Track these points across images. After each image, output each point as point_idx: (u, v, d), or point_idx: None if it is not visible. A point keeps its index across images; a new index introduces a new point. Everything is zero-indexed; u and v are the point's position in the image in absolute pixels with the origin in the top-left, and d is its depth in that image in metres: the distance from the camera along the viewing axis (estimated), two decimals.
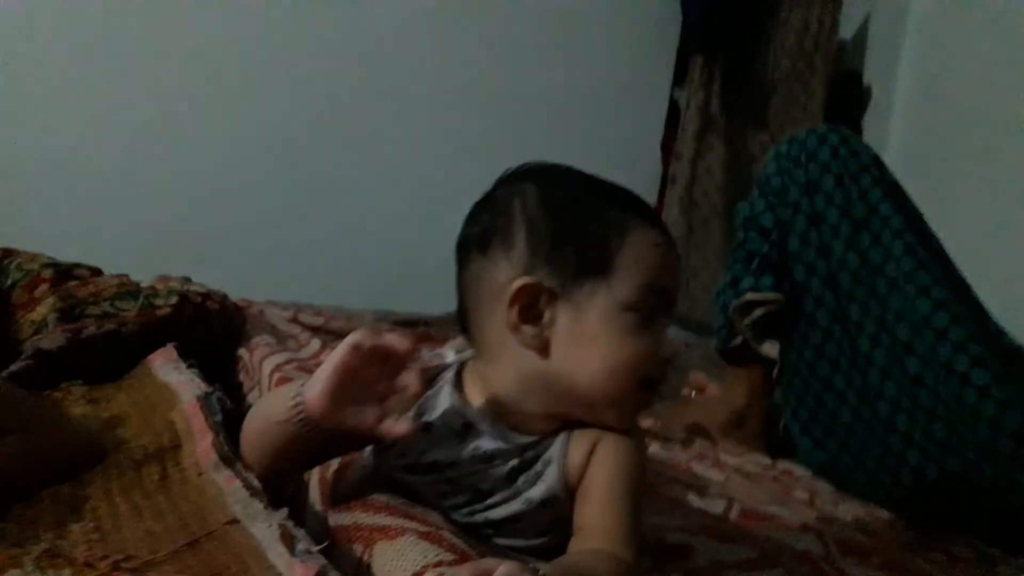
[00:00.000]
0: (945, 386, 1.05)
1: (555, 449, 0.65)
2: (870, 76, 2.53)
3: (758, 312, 1.23)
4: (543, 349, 0.63)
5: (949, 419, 1.07)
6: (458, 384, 0.68)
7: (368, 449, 0.71)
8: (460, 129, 2.40)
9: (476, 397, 0.67)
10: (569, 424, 0.66)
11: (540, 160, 0.70)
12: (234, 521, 0.61)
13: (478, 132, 2.39)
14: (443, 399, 0.67)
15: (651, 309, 0.64)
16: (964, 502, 1.09)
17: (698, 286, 2.48)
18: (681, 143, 2.47)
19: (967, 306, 1.08)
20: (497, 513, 0.66)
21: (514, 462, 0.65)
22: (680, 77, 2.52)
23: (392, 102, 2.36)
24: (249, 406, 1.07)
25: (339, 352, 0.60)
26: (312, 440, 0.63)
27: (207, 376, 0.98)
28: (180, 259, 1.59)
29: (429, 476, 0.67)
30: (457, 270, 0.68)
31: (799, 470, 1.31)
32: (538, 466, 0.65)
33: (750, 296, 1.21)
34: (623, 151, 2.49)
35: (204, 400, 0.79)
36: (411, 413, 0.64)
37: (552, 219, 0.64)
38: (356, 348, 0.59)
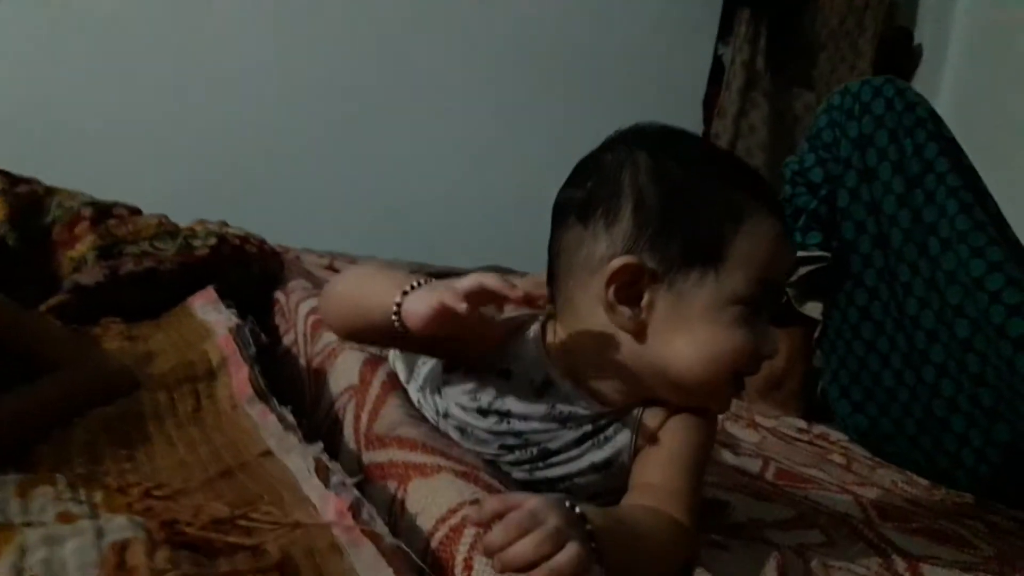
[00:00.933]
0: (996, 351, 1.01)
1: (631, 420, 0.63)
2: (921, 34, 2.44)
3: (803, 270, 1.20)
4: (638, 333, 0.60)
5: (998, 385, 1.03)
6: (543, 339, 0.65)
7: (412, 386, 0.70)
8: (500, 84, 2.36)
9: (560, 357, 0.64)
10: (649, 400, 0.64)
11: (654, 121, 0.64)
12: (268, 453, 0.60)
13: (518, 87, 2.35)
14: (527, 349, 0.64)
15: (759, 303, 0.60)
16: (1010, 472, 1.05)
17: None
18: (724, 100, 2.41)
19: (1022, 269, 1.04)
20: (555, 472, 0.64)
21: (587, 427, 0.63)
22: (725, 32, 2.45)
23: (434, 53, 2.32)
24: (285, 349, 1.08)
25: (461, 285, 0.54)
26: (402, 337, 0.59)
27: (243, 316, 0.98)
28: (219, 207, 1.60)
29: (499, 425, 0.65)
30: (552, 230, 0.65)
31: (836, 434, 1.28)
32: (609, 431, 0.64)
33: (798, 253, 1.18)
34: (664, 107, 2.41)
35: (237, 332, 0.79)
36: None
37: (663, 196, 0.59)
38: (479, 288, 0.54)
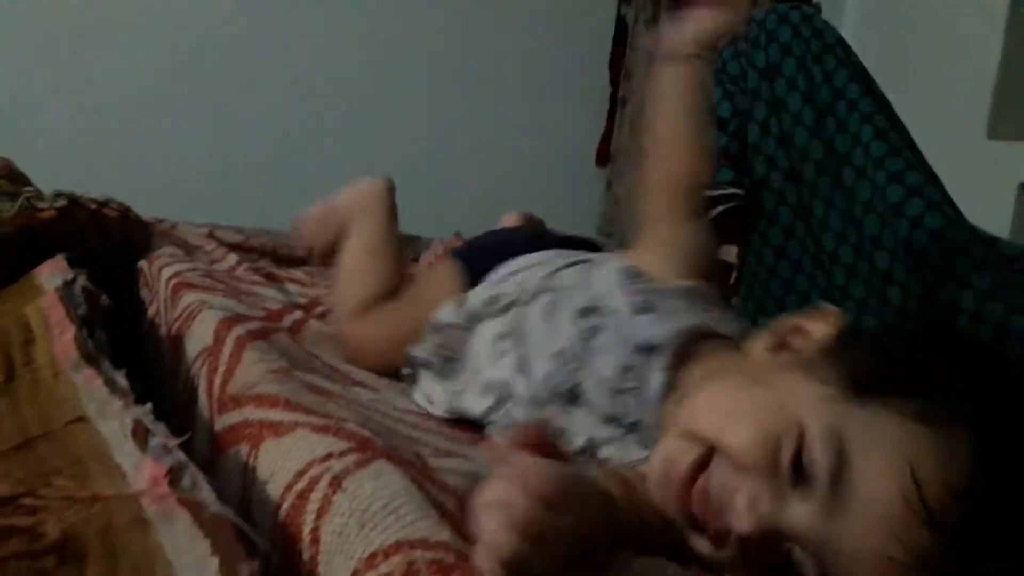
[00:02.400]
0: (919, 279, 0.96)
1: None
2: None
3: (716, 211, 1.13)
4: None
5: (923, 316, 0.99)
6: None
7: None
8: (400, 47, 2.24)
9: None
10: None
11: None
12: (80, 419, 0.49)
13: (417, 54, 2.24)
14: None
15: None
16: None
17: None
18: (630, 61, 2.35)
19: (941, 193, 0.99)
20: None
21: None
22: None
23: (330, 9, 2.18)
24: (150, 321, 0.95)
25: None
26: None
27: (100, 287, 0.85)
28: (101, 183, 1.43)
29: None
30: None
31: None
32: None
33: (707, 192, 1.11)
34: (569, 73, 2.37)
35: (64, 290, 0.66)
36: None
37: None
38: None
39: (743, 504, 0.46)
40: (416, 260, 1.47)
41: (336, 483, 0.41)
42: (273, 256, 1.31)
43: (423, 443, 0.60)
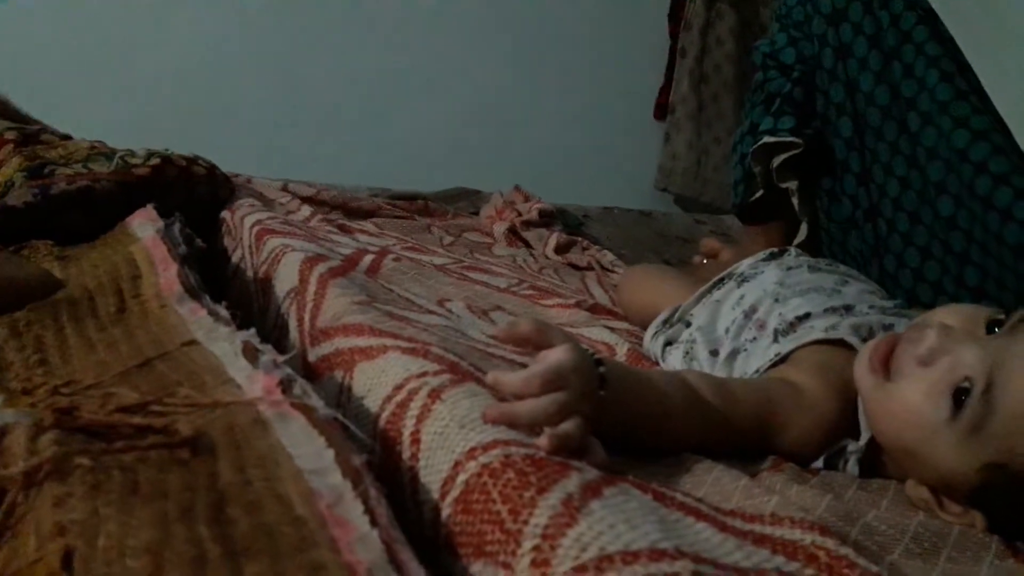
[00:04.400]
0: (982, 225, 0.96)
1: None
2: None
3: (778, 160, 1.13)
4: None
5: (983, 263, 0.99)
6: None
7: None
8: (457, 2, 2.25)
9: None
10: None
11: None
12: (193, 343, 0.54)
13: (475, 7, 2.24)
14: None
15: None
16: None
17: (709, 166, 2.37)
18: (690, 12, 2.31)
19: (1008, 138, 0.98)
20: None
21: None
22: None
23: None
24: (234, 267, 1.01)
25: None
26: None
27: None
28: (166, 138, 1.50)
29: None
30: None
31: None
32: None
33: (767, 139, 1.11)
34: (628, 24, 2.35)
35: (165, 232, 0.72)
36: None
37: None
38: None
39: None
40: (476, 213, 1.50)
41: (435, 394, 0.45)
42: (344, 209, 1.36)
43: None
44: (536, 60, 2.26)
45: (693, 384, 0.56)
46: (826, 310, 0.72)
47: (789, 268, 0.84)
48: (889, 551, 0.44)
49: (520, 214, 1.39)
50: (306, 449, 0.38)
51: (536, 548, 0.32)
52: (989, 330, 0.56)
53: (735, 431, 0.56)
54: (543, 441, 0.40)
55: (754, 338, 0.74)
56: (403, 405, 0.46)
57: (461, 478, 0.38)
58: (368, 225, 1.28)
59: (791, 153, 1.13)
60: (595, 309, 1.02)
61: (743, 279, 0.85)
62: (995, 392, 0.52)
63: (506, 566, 0.32)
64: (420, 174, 1.75)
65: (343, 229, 1.20)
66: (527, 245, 1.34)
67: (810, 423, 0.59)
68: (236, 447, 0.40)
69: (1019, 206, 0.93)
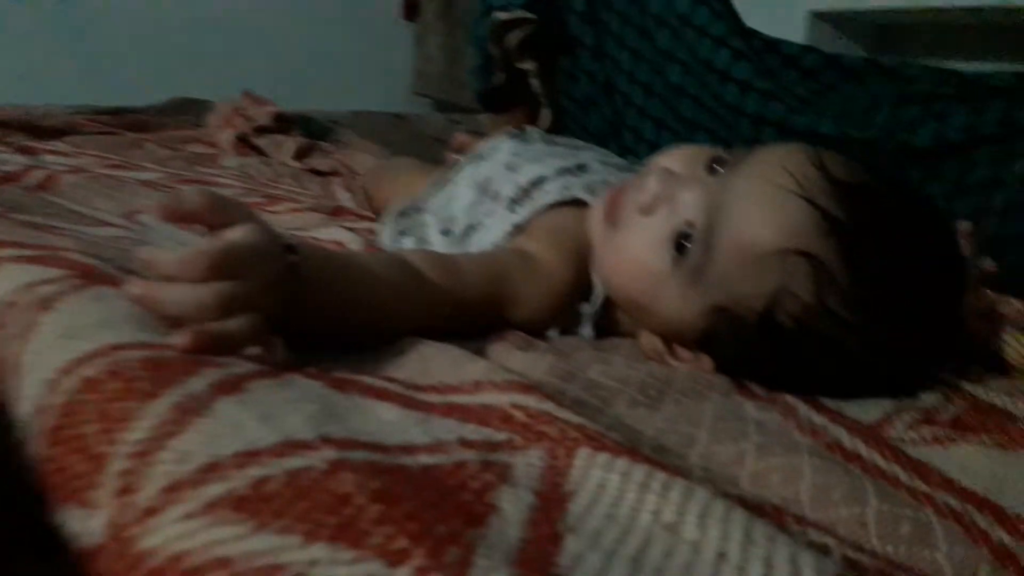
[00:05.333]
0: (707, 89, 0.97)
1: None
2: None
3: (513, 37, 1.08)
4: None
5: (713, 127, 1.00)
6: None
7: None
8: None
9: None
10: None
11: None
12: None
13: None
14: None
15: None
16: None
17: (460, 70, 2.30)
18: None
19: (725, 4, 0.99)
20: None
21: None
22: None
23: None
24: None
25: None
26: None
27: None
28: None
29: None
30: None
31: None
32: None
33: (499, 15, 1.05)
34: None
35: None
36: None
37: None
38: None
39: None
40: (199, 126, 1.33)
41: (44, 305, 0.35)
42: (30, 130, 1.14)
43: None
44: None
45: (412, 262, 0.49)
46: (559, 171, 0.68)
47: (525, 142, 0.80)
48: (612, 404, 0.41)
49: (252, 120, 1.24)
50: None
51: (122, 473, 0.23)
52: (712, 171, 0.54)
53: (464, 309, 0.51)
54: (178, 338, 0.32)
55: (490, 211, 0.69)
56: (4, 318, 0.35)
57: (55, 401, 0.28)
58: (60, 145, 1.09)
59: (526, 32, 1.08)
60: (337, 212, 0.93)
61: (479, 158, 0.79)
62: (715, 234, 0.49)
63: (89, 503, 0.24)
64: (133, 89, 1.53)
65: (25, 151, 1.00)
66: (261, 154, 1.21)
67: (542, 292, 0.55)
68: None
69: (737, 67, 0.95)
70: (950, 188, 0.84)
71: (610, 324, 0.58)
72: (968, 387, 0.51)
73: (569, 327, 0.57)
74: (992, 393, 0.49)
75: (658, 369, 0.49)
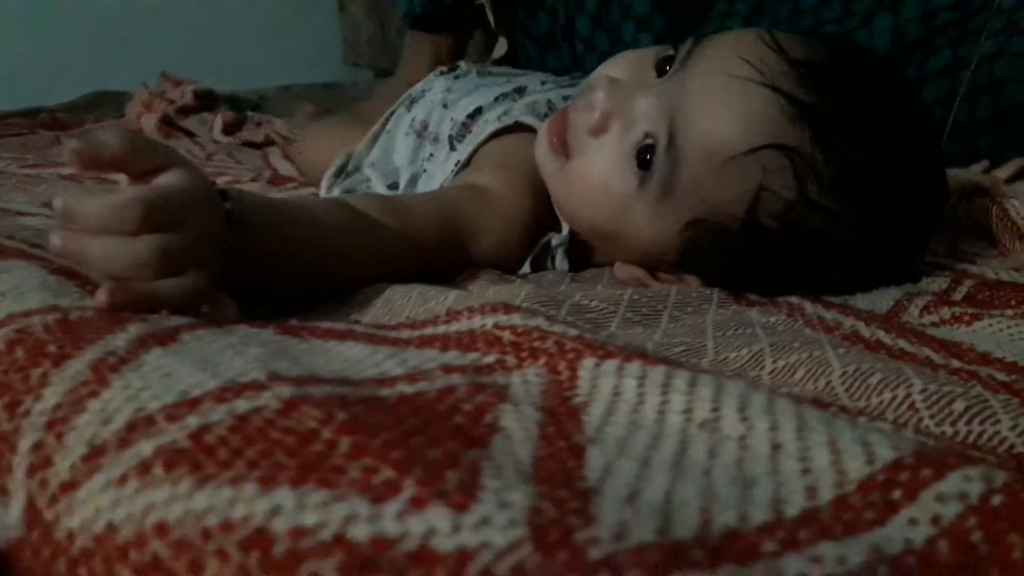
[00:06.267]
0: None
1: None
2: None
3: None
4: None
5: None
6: None
7: None
8: None
9: None
10: None
11: None
12: None
13: None
14: None
15: None
16: None
17: (392, 29, 2.22)
18: None
19: None
20: None
21: None
22: None
23: None
24: None
25: None
26: None
27: None
28: None
29: None
30: None
31: None
32: None
33: None
34: None
35: None
36: None
37: None
38: None
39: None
40: (121, 116, 1.26)
41: None
42: None
43: None
44: None
45: (357, 206, 0.44)
46: (496, 99, 0.63)
47: (457, 77, 0.74)
48: (604, 325, 0.37)
49: (173, 102, 1.17)
50: None
51: (36, 447, 0.19)
52: (660, 72, 0.49)
53: (421, 252, 0.46)
54: (101, 295, 0.27)
55: (431, 155, 0.64)
56: None
57: None
58: None
59: None
60: (277, 180, 0.88)
61: (412, 101, 0.74)
62: (678, 142, 0.45)
63: (2, 491, 0.19)
64: (45, 88, 1.43)
65: None
66: (188, 134, 1.14)
67: (503, 223, 0.50)
68: None
69: None
70: (912, 78, 0.81)
71: (585, 255, 0.54)
72: (968, 267, 0.48)
73: (541, 261, 0.53)
74: (997, 270, 0.47)
75: (647, 289, 0.45)
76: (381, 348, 0.25)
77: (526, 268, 0.52)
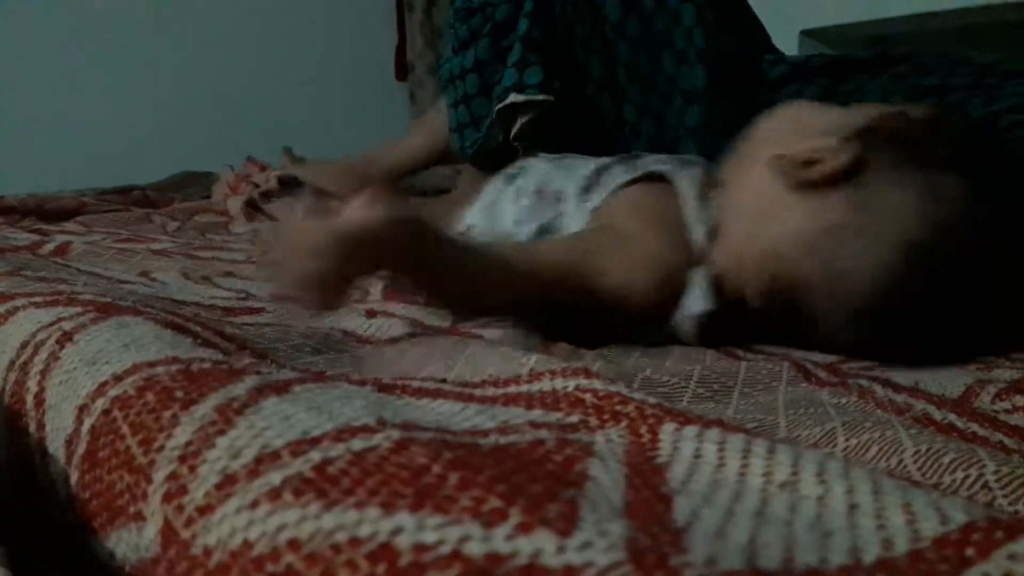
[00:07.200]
0: None
1: None
2: None
3: (522, 121, 0.90)
4: None
5: None
6: None
7: None
8: None
9: None
10: None
11: None
12: None
13: None
14: None
15: None
16: None
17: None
18: None
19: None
20: None
21: None
22: None
23: None
24: None
25: None
26: None
27: None
28: None
29: None
30: None
31: None
32: None
33: (516, 97, 0.87)
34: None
35: None
36: None
37: None
38: None
39: None
40: (206, 197, 1.34)
41: (66, 338, 0.33)
42: (38, 213, 1.14)
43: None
44: (256, 36, 2.09)
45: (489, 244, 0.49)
46: (619, 159, 0.66)
47: (552, 159, 0.78)
48: (676, 400, 0.38)
49: (258, 186, 1.24)
50: None
51: (171, 476, 0.21)
52: None
53: (546, 284, 0.48)
54: None
55: (558, 212, 0.65)
56: (26, 365, 0.33)
57: (87, 425, 0.26)
58: (71, 225, 1.08)
59: (535, 113, 0.90)
60: None
61: (512, 177, 0.76)
62: None
63: (138, 516, 0.21)
64: (138, 169, 1.54)
65: (38, 233, 1.00)
66: (271, 219, 1.20)
67: (631, 260, 0.51)
68: None
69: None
70: None
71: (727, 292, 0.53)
72: None
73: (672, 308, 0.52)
74: None
75: (717, 363, 0.46)
76: (470, 405, 0.27)
77: (686, 309, 0.52)
